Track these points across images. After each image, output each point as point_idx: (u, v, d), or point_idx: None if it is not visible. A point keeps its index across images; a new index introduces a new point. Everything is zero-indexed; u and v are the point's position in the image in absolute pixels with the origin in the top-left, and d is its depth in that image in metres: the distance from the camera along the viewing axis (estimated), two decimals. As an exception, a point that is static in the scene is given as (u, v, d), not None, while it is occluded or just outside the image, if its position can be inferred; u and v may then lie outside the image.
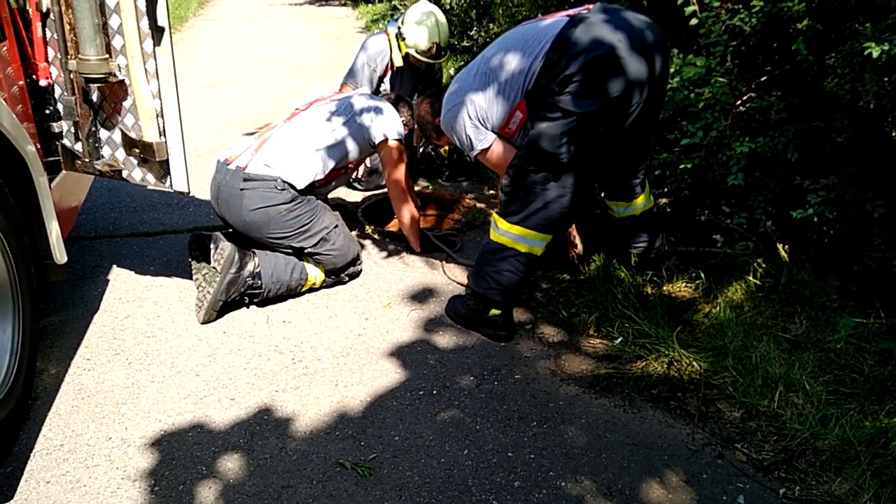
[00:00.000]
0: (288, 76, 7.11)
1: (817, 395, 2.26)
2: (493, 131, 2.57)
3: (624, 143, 2.43)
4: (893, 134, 2.38)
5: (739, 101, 3.00)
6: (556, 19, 2.43)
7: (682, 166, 2.99)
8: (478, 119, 2.55)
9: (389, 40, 3.97)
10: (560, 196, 2.39)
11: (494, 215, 2.53)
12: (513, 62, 2.44)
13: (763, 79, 3.04)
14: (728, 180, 2.85)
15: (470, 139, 2.59)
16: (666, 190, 3.23)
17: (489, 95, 2.50)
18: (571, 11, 2.43)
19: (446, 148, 4.06)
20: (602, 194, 2.96)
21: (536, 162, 2.37)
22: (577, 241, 3.12)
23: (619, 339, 2.61)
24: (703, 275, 2.88)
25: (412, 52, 3.88)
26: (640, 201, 2.84)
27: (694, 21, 2.82)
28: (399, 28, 3.88)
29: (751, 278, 2.82)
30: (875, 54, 2.20)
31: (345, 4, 12.93)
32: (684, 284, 2.91)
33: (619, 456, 2.11)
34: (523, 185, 2.41)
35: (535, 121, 2.39)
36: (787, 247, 2.90)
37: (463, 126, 2.57)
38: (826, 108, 2.72)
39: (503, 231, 2.50)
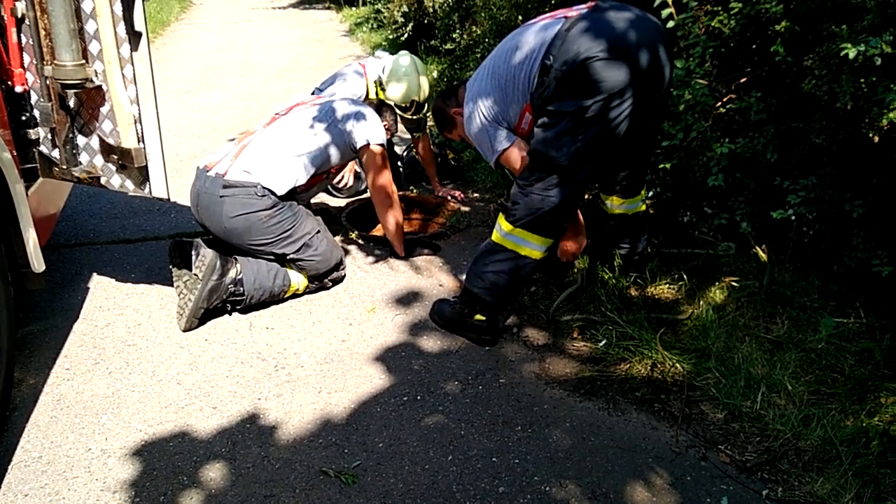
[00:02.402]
0: (271, 80, 7.09)
1: (799, 396, 2.27)
2: (510, 126, 2.59)
3: (624, 141, 2.43)
4: (871, 135, 2.40)
5: (720, 103, 3.02)
6: (555, 19, 2.44)
7: (661, 166, 3.00)
8: (495, 121, 2.57)
9: (367, 84, 3.76)
10: (560, 199, 2.41)
11: (500, 217, 2.56)
12: (516, 64, 2.47)
13: (742, 80, 3.06)
14: (709, 181, 2.86)
15: (489, 143, 2.60)
16: (651, 193, 3.25)
17: (500, 97, 2.54)
18: (572, 11, 2.42)
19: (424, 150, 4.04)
20: (596, 186, 2.96)
21: (539, 167, 2.41)
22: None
23: (603, 342, 2.61)
24: (685, 276, 2.90)
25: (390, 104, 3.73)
26: (636, 201, 2.85)
27: (671, 24, 2.83)
28: (380, 76, 3.72)
29: (732, 279, 2.84)
30: (851, 55, 2.22)
31: (328, 8, 12.92)
32: (667, 286, 2.92)
33: (603, 459, 2.11)
34: (528, 189, 2.44)
35: (536, 128, 2.43)
36: (767, 247, 2.92)
37: (481, 131, 2.60)
38: (805, 109, 2.74)
39: (504, 232, 2.51)
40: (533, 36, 2.46)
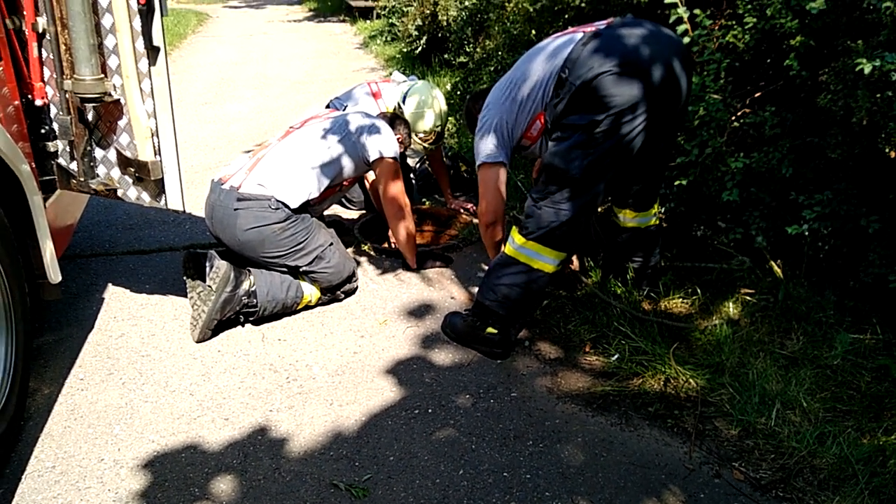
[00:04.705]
0: (286, 92, 7.15)
1: (815, 413, 2.24)
2: (515, 141, 2.69)
3: (638, 156, 2.44)
4: (887, 150, 2.39)
5: (734, 117, 3.01)
6: (573, 35, 2.49)
7: (676, 183, 3.00)
8: (502, 135, 2.67)
9: (381, 109, 3.73)
10: (573, 213, 2.42)
11: (513, 230, 2.58)
12: (534, 76, 2.55)
13: (757, 95, 3.05)
14: (723, 196, 2.85)
15: (481, 150, 2.71)
16: (664, 209, 3.24)
17: (514, 108, 2.63)
18: (591, 26, 2.47)
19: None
20: (609, 199, 2.97)
21: (552, 180, 2.43)
22: (574, 256, 3.12)
23: (616, 356, 2.60)
24: (699, 291, 2.88)
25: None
26: (649, 215, 2.86)
27: (686, 39, 2.83)
28: (400, 104, 3.70)
29: (747, 294, 2.82)
30: (867, 71, 2.21)
31: (343, 21, 13.03)
32: (681, 300, 2.90)
33: (615, 475, 2.09)
34: (541, 203, 2.46)
35: (550, 142, 2.47)
36: (782, 262, 2.89)
37: (482, 136, 2.71)
38: (820, 123, 2.73)
39: (518, 246, 2.52)
40: (552, 50, 2.52)
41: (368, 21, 11.41)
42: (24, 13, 2.28)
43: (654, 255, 2.93)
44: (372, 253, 3.54)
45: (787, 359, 2.50)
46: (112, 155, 2.49)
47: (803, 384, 2.35)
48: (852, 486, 1.97)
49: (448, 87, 6.10)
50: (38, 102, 2.40)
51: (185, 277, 2.82)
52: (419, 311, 3.01)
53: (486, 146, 2.70)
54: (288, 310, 2.90)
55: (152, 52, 2.29)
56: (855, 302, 2.70)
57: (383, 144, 3.04)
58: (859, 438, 2.13)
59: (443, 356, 2.69)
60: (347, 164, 2.99)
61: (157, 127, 2.38)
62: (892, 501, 1.91)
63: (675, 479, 2.07)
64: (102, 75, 2.33)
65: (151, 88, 2.33)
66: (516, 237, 2.53)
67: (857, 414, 2.23)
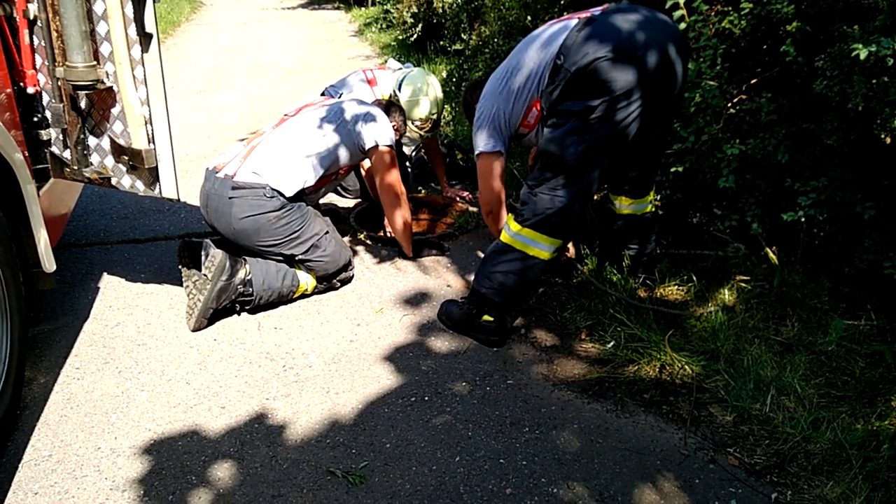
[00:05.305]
0: (281, 80, 7.11)
1: (809, 398, 2.26)
2: (513, 130, 2.71)
3: (633, 142, 2.44)
4: (882, 136, 2.38)
5: (730, 104, 3.00)
6: (568, 22, 2.49)
7: (672, 170, 2.99)
8: (499, 125, 2.69)
9: (377, 96, 3.71)
10: (569, 200, 2.42)
11: (508, 217, 2.59)
12: (529, 65, 2.56)
13: (753, 81, 3.04)
14: (719, 183, 2.85)
15: (481, 138, 2.73)
16: (660, 196, 3.23)
17: (510, 97, 2.64)
18: (586, 13, 2.46)
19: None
20: (605, 186, 2.97)
21: (547, 167, 2.43)
22: (569, 243, 3.12)
23: (612, 343, 2.61)
24: (695, 278, 2.88)
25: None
26: (645, 202, 2.86)
27: (682, 25, 2.82)
28: (395, 92, 3.69)
29: (742, 281, 2.82)
30: (863, 56, 2.20)
31: (338, 8, 12.96)
32: (676, 287, 2.90)
33: (611, 461, 2.10)
34: (536, 190, 2.46)
35: (546, 128, 2.47)
36: (777, 249, 2.90)
37: (481, 127, 2.72)
38: (816, 109, 2.72)
39: (513, 233, 2.52)
40: (547, 36, 2.52)
41: (363, 8, 11.35)
42: (15, 0, 2.25)
43: (650, 243, 2.93)
44: (368, 241, 3.53)
45: (781, 345, 2.51)
46: (105, 143, 2.48)
47: (798, 370, 2.36)
48: (846, 471, 1.98)
49: (444, 74, 6.07)
50: (31, 90, 2.38)
51: (180, 266, 2.82)
52: (415, 300, 3.01)
53: (484, 137, 2.71)
54: (284, 298, 2.90)
55: (145, 38, 2.27)
56: (850, 288, 2.70)
57: (379, 132, 3.03)
58: (853, 424, 2.14)
59: (439, 344, 2.69)
60: (343, 153, 2.97)
61: (150, 114, 2.36)
62: (886, 486, 1.93)
63: (670, 465, 2.08)
64: (95, 62, 2.31)
65: (144, 76, 2.31)
66: (512, 224, 2.53)
67: (851, 399, 2.24)
